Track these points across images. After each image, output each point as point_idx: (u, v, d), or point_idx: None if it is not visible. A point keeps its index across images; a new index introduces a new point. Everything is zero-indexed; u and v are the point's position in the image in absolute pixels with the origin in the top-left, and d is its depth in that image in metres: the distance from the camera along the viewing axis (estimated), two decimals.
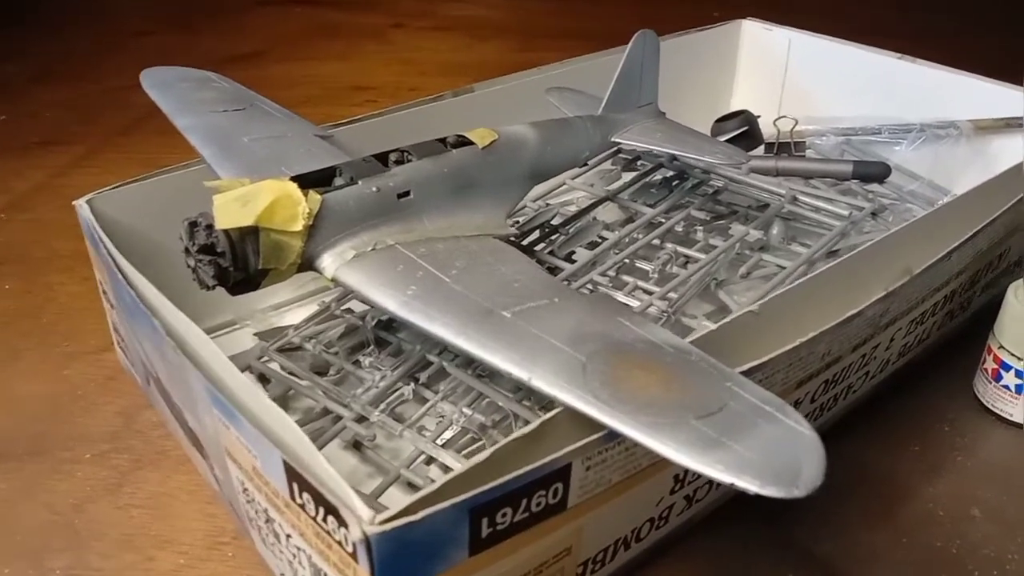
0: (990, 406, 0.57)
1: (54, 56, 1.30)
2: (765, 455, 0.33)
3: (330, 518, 0.33)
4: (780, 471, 0.32)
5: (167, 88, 0.62)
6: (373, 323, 0.57)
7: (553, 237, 0.65)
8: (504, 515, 0.35)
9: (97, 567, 0.47)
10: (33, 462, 0.54)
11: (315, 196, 0.45)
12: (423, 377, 0.53)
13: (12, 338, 0.65)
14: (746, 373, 0.40)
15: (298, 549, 0.38)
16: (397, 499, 0.33)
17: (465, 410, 0.50)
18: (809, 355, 0.45)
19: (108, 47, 1.35)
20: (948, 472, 0.53)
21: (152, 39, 1.39)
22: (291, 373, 0.55)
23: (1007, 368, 0.55)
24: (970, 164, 0.76)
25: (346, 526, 0.32)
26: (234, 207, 0.43)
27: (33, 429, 0.56)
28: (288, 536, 0.38)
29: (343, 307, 0.60)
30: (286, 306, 0.65)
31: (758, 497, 0.31)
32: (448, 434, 0.49)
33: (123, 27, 1.45)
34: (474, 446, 0.49)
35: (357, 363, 0.55)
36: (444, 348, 0.54)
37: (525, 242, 0.64)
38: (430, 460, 0.49)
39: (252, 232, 0.43)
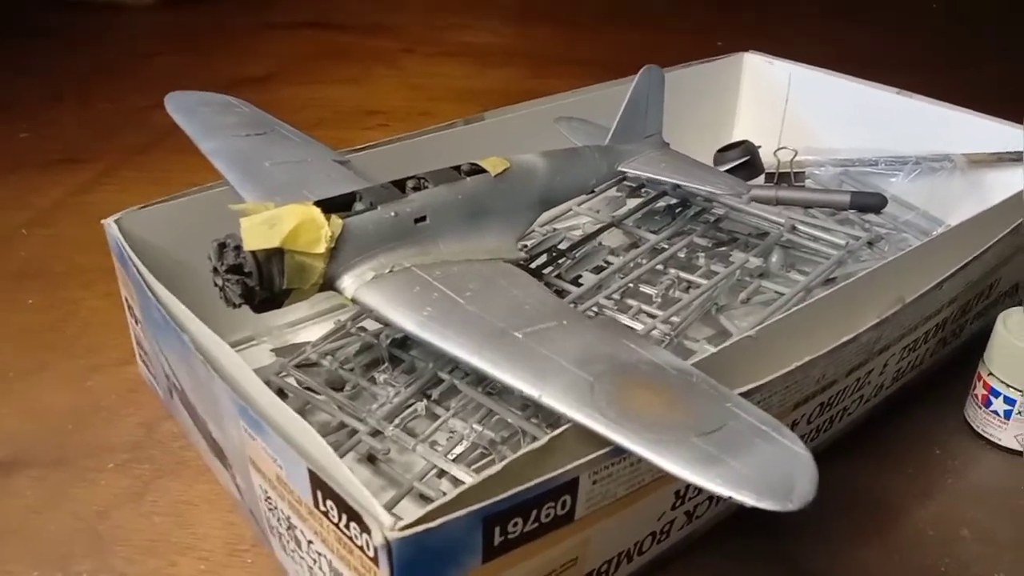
0: (980, 431, 0.59)
1: (65, 75, 1.32)
2: (761, 471, 0.35)
3: (352, 524, 0.35)
4: (775, 486, 0.34)
5: (191, 112, 0.65)
6: (387, 341, 0.59)
7: (560, 261, 0.67)
8: (515, 524, 0.37)
9: (121, 571, 0.49)
10: (57, 471, 0.56)
11: (337, 220, 0.47)
12: (435, 394, 0.55)
13: (36, 351, 0.68)
14: (745, 395, 0.42)
15: (319, 555, 0.40)
16: (410, 511, 0.35)
17: (475, 426, 0.52)
18: (805, 378, 0.47)
19: (119, 68, 1.37)
20: (939, 494, 0.55)
21: (161, 60, 1.41)
22: (308, 388, 0.57)
23: (996, 394, 0.57)
24: (964, 196, 0.78)
25: (368, 532, 0.34)
26: (261, 229, 0.45)
27: (57, 439, 0.58)
28: (310, 542, 0.40)
29: (358, 325, 0.62)
30: (301, 324, 0.67)
31: (756, 515, 0.33)
32: (459, 449, 0.51)
33: (131, 49, 1.47)
34: (484, 461, 0.51)
35: (372, 379, 0.57)
36: (456, 366, 0.56)
37: (533, 266, 0.66)
38: (442, 473, 0.51)
39: (278, 253, 0.45)
